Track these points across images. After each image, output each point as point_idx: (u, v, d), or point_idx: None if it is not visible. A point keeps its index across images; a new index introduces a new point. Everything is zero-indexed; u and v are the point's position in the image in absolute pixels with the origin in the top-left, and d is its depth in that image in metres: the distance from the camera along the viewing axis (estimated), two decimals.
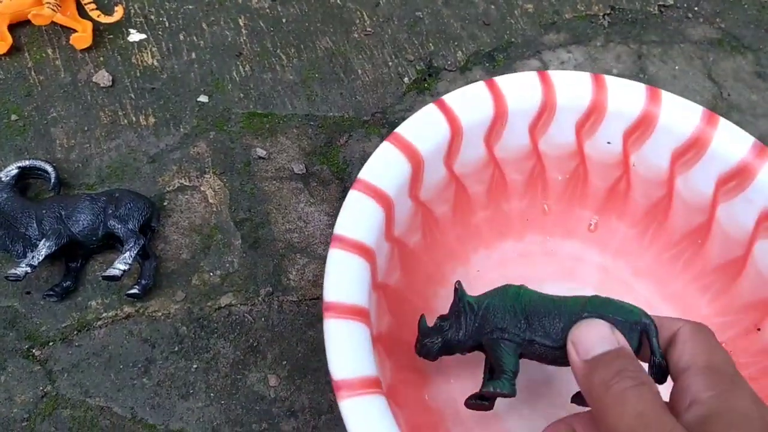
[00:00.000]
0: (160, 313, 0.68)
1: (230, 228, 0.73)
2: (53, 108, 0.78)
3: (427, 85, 0.88)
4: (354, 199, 0.61)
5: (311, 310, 0.70)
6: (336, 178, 0.79)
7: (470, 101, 0.68)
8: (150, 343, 0.66)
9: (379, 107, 0.85)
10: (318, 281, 0.72)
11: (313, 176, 0.78)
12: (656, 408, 0.38)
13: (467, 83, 0.85)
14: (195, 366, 0.66)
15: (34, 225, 0.66)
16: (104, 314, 0.67)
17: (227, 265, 0.71)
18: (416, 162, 0.65)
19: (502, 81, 0.70)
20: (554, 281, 0.75)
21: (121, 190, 0.69)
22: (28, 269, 0.63)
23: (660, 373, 0.45)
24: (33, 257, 0.63)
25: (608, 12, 0.98)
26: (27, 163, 0.70)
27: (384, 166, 0.63)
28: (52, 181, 0.70)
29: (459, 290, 0.58)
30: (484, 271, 0.74)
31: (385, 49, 0.90)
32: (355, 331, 0.56)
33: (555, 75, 0.71)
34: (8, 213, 0.66)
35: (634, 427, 0.37)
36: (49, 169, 0.70)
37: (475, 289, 0.71)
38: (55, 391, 0.63)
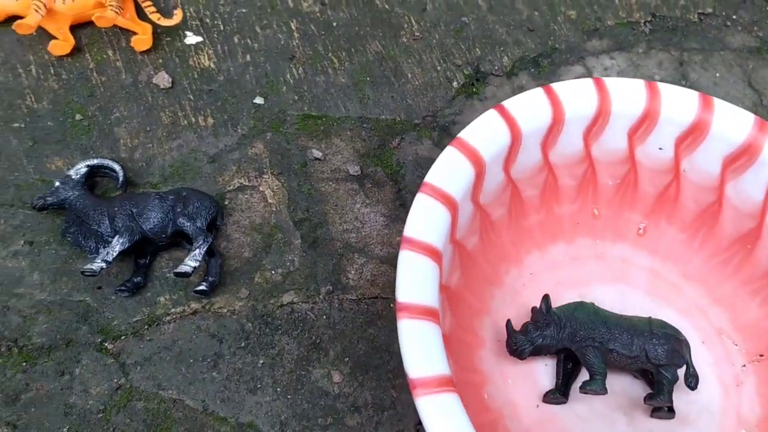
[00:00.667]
0: (225, 310, 0.70)
1: (290, 227, 0.75)
2: (116, 108, 0.80)
3: (476, 89, 0.90)
4: (422, 201, 0.63)
5: (370, 309, 0.72)
6: (390, 180, 0.81)
7: (529, 107, 0.70)
8: (217, 338, 0.68)
9: (430, 111, 0.87)
10: (376, 281, 0.73)
11: (367, 178, 0.80)
12: None
13: (514, 88, 0.87)
14: (261, 361, 0.68)
15: (107, 222, 0.68)
16: (172, 310, 0.69)
17: (288, 263, 0.73)
18: (479, 166, 0.67)
19: (560, 88, 0.71)
20: (605, 283, 0.77)
21: (187, 189, 0.71)
22: (104, 265, 0.65)
23: (695, 382, 0.66)
24: (107, 253, 0.65)
25: (649, 19, 1.00)
26: (96, 161, 0.72)
27: (450, 170, 0.65)
28: (120, 179, 0.72)
29: (547, 303, 0.67)
30: (538, 274, 0.76)
31: (433, 54, 0.92)
32: (428, 330, 0.58)
33: (610, 82, 0.72)
34: (80, 210, 0.68)
35: None
36: (117, 167, 0.72)
37: (531, 290, 0.73)
38: (129, 384, 0.65)
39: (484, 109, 0.86)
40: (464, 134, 0.67)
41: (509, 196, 0.73)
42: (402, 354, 0.55)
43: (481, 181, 0.68)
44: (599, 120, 0.72)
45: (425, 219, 0.62)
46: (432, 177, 0.64)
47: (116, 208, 0.69)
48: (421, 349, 0.56)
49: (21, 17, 0.81)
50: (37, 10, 0.78)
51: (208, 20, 0.90)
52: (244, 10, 0.91)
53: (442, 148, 0.80)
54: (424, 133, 0.85)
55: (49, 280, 0.68)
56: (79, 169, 0.72)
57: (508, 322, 0.68)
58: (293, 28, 0.91)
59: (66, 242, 0.70)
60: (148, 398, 0.65)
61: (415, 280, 0.59)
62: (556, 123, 0.71)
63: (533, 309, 0.69)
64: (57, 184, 0.71)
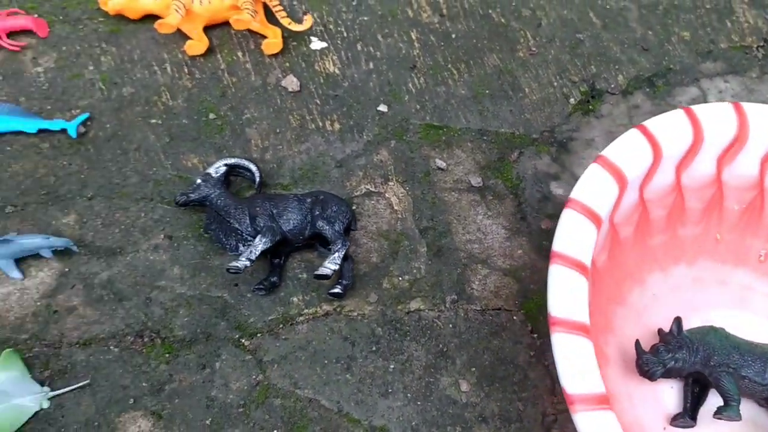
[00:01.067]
0: (356, 313, 0.71)
1: (415, 235, 0.76)
2: (247, 109, 0.82)
3: (591, 106, 0.90)
4: (570, 217, 0.64)
5: (494, 320, 0.73)
6: (510, 192, 0.81)
7: (671, 129, 0.70)
8: (350, 341, 0.69)
9: (547, 126, 0.87)
10: (499, 292, 0.74)
11: (488, 189, 0.81)
12: None
13: (630, 107, 0.87)
14: (392, 366, 0.69)
15: (247, 221, 0.70)
16: (305, 310, 0.70)
17: (414, 270, 0.74)
18: (622, 185, 0.67)
19: (700, 111, 0.71)
20: (727, 309, 0.76)
21: (324, 193, 0.73)
22: (247, 263, 0.66)
23: None
24: (251, 252, 0.67)
25: (761, 44, 0.99)
26: (233, 161, 0.74)
27: (596, 187, 0.66)
28: (257, 180, 0.74)
29: (679, 326, 0.68)
30: (660, 295, 0.76)
31: (549, 70, 0.93)
32: (582, 346, 0.58)
33: (749, 108, 0.72)
34: (221, 208, 0.70)
35: None
36: (253, 168, 0.74)
37: (654, 311, 0.73)
38: (267, 381, 0.66)
39: (600, 126, 0.86)
40: (608, 153, 0.67)
41: (638, 215, 0.74)
42: (558, 369, 0.55)
43: (620, 200, 0.68)
44: (735, 145, 0.72)
45: (574, 234, 0.62)
46: (578, 193, 0.65)
47: (257, 208, 0.70)
48: (577, 365, 0.56)
49: (157, 16, 0.83)
50: (177, 10, 0.80)
51: (332, 27, 0.91)
52: (365, 18, 0.92)
53: (560, 163, 0.81)
54: (542, 148, 0.85)
55: (189, 274, 0.70)
56: (219, 167, 0.74)
57: (637, 342, 0.68)
58: (413, 37, 0.92)
59: (207, 238, 0.71)
60: (285, 396, 0.66)
61: (568, 295, 0.59)
62: (695, 145, 0.71)
63: (660, 331, 0.69)
64: (198, 181, 0.72)
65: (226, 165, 0.74)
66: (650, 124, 0.70)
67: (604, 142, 0.88)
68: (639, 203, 0.73)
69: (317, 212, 0.70)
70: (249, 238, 0.70)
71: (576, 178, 0.79)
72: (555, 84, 0.91)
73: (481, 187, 0.81)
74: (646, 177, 0.70)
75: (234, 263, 0.67)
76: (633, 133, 0.69)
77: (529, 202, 0.81)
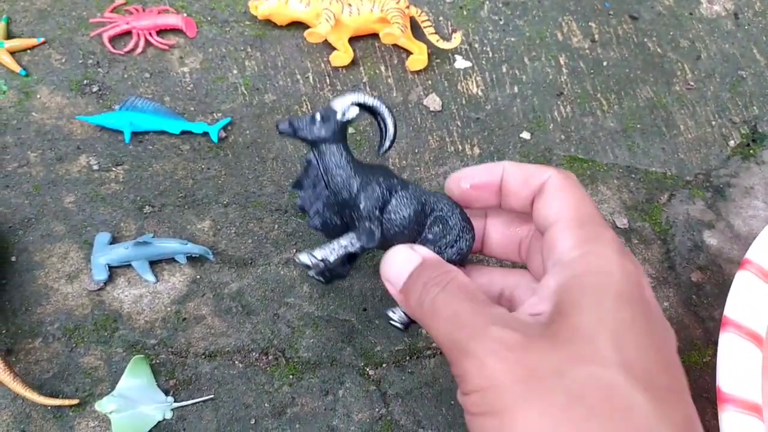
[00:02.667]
0: None
1: None
2: None
3: (752, 151, 0.82)
4: (745, 280, 0.57)
5: None
6: (658, 238, 0.74)
7: None
8: None
9: (703, 168, 0.80)
10: None
11: (634, 232, 0.74)
12: (466, 302, 0.35)
13: None
14: None
15: (351, 196, 0.49)
16: (433, 344, 0.66)
17: None
18: None
19: None
20: None
21: (454, 210, 0.60)
22: (321, 264, 0.49)
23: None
24: (332, 250, 0.49)
25: None
26: (369, 101, 0.51)
27: None
28: (386, 140, 0.52)
29: None
30: None
31: (707, 107, 0.85)
32: (756, 429, 0.51)
33: None
34: (330, 169, 0.49)
35: (450, 333, 0.34)
36: (390, 121, 0.53)
37: None
38: (390, 416, 0.62)
39: (761, 173, 0.79)
40: None
41: None
42: None
43: None
44: None
45: (750, 300, 0.55)
46: (757, 254, 0.58)
47: (370, 188, 0.48)
48: None
49: (302, 24, 0.81)
50: (327, 20, 0.77)
51: (477, 46, 0.86)
52: (512, 39, 0.87)
53: (715, 211, 0.74)
54: (697, 192, 0.78)
55: (318, 294, 0.67)
56: (348, 107, 0.50)
57: None
58: (562, 63, 0.86)
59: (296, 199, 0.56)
60: None
61: (741, 369, 0.53)
62: None
63: None
64: (317, 117, 0.49)
65: (358, 105, 0.51)
66: None
67: (764, 190, 0.80)
68: None
69: (431, 232, 0.49)
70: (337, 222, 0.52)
71: (732, 229, 0.72)
72: (713, 123, 0.84)
73: (627, 230, 0.75)
74: None
75: (303, 256, 0.49)
76: None
77: (679, 250, 0.74)
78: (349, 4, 0.80)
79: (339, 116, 0.49)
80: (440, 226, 0.48)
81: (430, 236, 0.48)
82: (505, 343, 0.32)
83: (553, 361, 0.31)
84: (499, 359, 0.31)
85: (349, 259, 0.54)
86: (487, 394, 0.31)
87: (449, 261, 0.46)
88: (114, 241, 0.67)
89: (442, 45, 0.81)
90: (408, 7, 0.82)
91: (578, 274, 0.34)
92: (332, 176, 0.48)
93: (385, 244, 0.47)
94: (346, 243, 0.48)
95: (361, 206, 0.48)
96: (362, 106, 0.50)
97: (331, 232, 0.51)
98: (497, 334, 0.32)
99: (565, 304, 0.33)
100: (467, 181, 0.45)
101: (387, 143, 0.51)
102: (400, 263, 0.41)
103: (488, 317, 0.34)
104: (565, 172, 0.41)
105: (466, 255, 0.49)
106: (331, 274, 0.54)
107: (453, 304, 0.35)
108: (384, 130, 0.51)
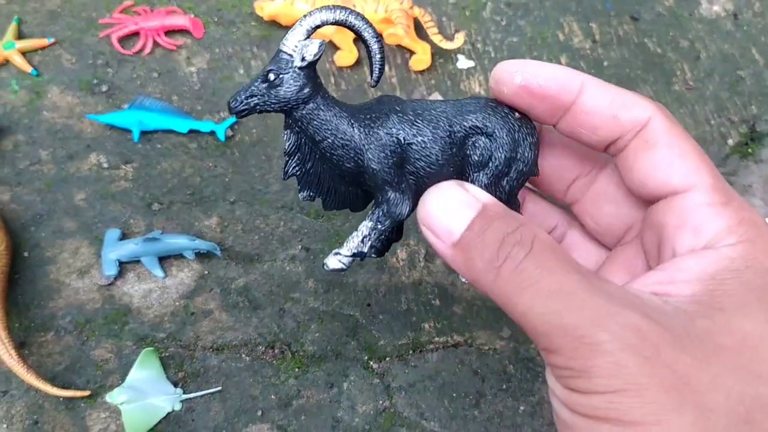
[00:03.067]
0: (487, 347, 0.67)
1: None
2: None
3: (750, 150, 0.83)
4: None
5: None
6: None
7: None
8: (480, 376, 0.66)
9: None
10: None
11: None
12: (574, 274, 0.27)
13: None
14: (522, 408, 0.65)
15: (351, 157, 0.41)
16: (436, 339, 0.67)
17: None
18: None
19: None
20: None
21: (496, 113, 0.43)
22: (349, 260, 0.41)
23: None
24: (360, 243, 0.40)
25: None
26: (341, 15, 0.43)
27: None
28: (376, 64, 0.43)
29: None
30: None
31: (706, 106, 0.86)
32: None
33: None
34: (315, 132, 0.39)
35: (558, 314, 0.26)
36: (375, 44, 0.45)
37: None
38: (393, 408, 0.64)
39: (759, 171, 0.80)
40: None
41: None
42: None
43: None
44: None
45: None
46: None
47: (379, 140, 0.37)
48: None
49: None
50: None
51: (479, 45, 0.88)
52: (515, 39, 0.89)
53: None
54: None
55: (323, 289, 0.69)
56: (304, 45, 0.36)
57: None
58: (563, 62, 0.87)
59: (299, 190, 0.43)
60: (410, 426, 0.63)
61: None
62: None
63: None
64: (270, 75, 0.36)
65: (326, 23, 0.39)
66: None
67: (762, 189, 0.81)
68: None
69: (475, 154, 0.37)
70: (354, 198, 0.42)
71: None
72: (712, 122, 0.85)
73: None
74: None
75: (332, 262, 0.41)
76: None
77: None
78: (354, 5, 0.82)
79: (298, 62, 0.36)
80: (487, 139, 0.36)
81: (475, 158, 0.37)
82: (645, 337, 0.25)
83: (714, 372, 0.25)
84: (641, 358, 0.25)
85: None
86: (623, 399, 0.25)
87: (512, 190, 0.38)
88: (124, 237, 0.68)
89: (445, 45, 0.82)
90: (411, 8, 0.84)
91: (739, 267, 0.27)
92: (323, 145, 0.37)
93: (420, 194, 0.36)
94: (373, 224, 0.38)
95: (376, 169, 0.37)
96: (335, 23, 0.38)
97: (356, 204, 0.42)
98: (634, 322, 0.25)
99: (723, 300, 0.27)
100: (528, 79, 0.33)
101: (376, 69, 0.41)
102: (452, 209, 0.31)
103: (611, 297, 0.26)
104: (666, 111, 0.31)
105: (532, 171, 0.38)
106: (382, 244, 0.42)
107: (556, 274, 0.27)
108: (369, 52, 0.41)
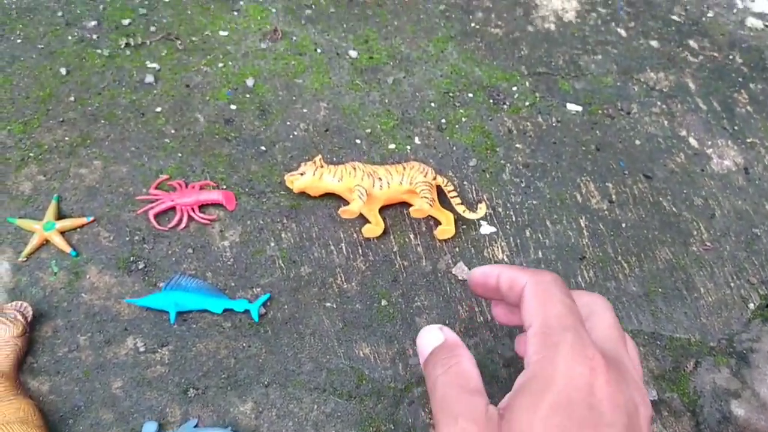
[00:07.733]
0: None
1: None
2: (417, 296, 0.80)
3: None
4: None
5: None
6: (687, 410, 0.75)
7: None
8: None
9: (725, 333, 0.81)
10: None
11: (663, 404, 0.75)
12: (455, 389, 0.40)
13: None
14: None
15: None
16: None
17: None
18: None
19: None
20: None
21: None
22: None
23: None
24: None
25: None
26: None
27: None
28: None
29: None
30: None
31: (725, 268, 0.87)
32: None
33: None
34: None
35: (436, 410, 0.39)
36: None
37: None
38: None
39: None
40: None
41: None
42: None
43: None
44: None
45: None
46: None
47: None
48: None
49: (336, 195, 0.84)
50: (360, 197, 0.80)
51: (500, 210, 0.89)
52: (534, 202, 0.90)
53: (741, 379, 0.74)
54: (721, 360, 0.79)
55: None
56: None
57: None
58: (582, 225, 0.89)
59: None
60: None
61: None
62: None
63: None
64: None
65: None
66: None
67: None
68: None
69: None
70: None
71: (758, 397, 0.72)
72: (732, 285, 0.85)
73: (656, 401, 0.75)
74: None
75: None
76: None
77: (708, 423, 0.74)
78: (380, 178, 0.84)
79: None
80: None
81: None
82: None
83: None
84: None
85: None
86: None
87: None
88: (160, 429, 0.68)
89: (469, 215, 0.84)
90: (435, 178, 0.85)
91: (529, 377, 0.37)
92: None
93: None
94: None
95: None
96: None
97: None
98: (463, 425, 0.37)
99: (514, 405, 0.36)
100: (472, 282, 0.50)
101: None
102: (428, 340, 0.45)
103: (465, 407, 0.38)
104: (542, 274, 0.43)
105: None
106: None
107: (445, 387, 0.40)
108: None
